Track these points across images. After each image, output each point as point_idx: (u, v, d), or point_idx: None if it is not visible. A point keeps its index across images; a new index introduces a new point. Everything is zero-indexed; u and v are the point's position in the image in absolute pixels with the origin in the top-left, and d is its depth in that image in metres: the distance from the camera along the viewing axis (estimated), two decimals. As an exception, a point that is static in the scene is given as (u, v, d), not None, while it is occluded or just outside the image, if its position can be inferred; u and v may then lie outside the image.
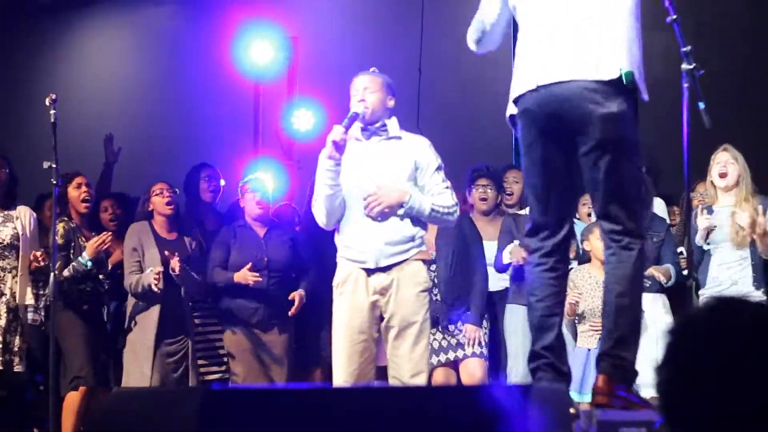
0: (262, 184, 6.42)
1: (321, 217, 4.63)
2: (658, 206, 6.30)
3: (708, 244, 5.71)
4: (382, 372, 4.81)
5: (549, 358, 3.58)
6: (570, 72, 3.49)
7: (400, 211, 4.48)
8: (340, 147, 4.48)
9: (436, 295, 5.67)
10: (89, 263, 5.94)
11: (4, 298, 5.86)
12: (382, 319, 4.50)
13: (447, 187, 4.60)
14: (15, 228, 5.93)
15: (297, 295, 6.13)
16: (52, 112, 5.29)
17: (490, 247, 6.18)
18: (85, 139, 8.68)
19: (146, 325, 6.03)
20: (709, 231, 5.68)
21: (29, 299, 5.97)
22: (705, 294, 5.62)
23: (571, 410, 2.79)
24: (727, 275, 5.68)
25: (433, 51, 8.44)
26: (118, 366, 6.21)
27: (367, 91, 4.59)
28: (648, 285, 5.46)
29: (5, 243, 5.88)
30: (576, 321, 5.84)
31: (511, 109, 3.71)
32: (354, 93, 4.60)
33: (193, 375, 6.11)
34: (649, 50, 3.61)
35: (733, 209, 5.69)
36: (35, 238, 6.08)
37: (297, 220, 6.93)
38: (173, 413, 2.52)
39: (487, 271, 6.09)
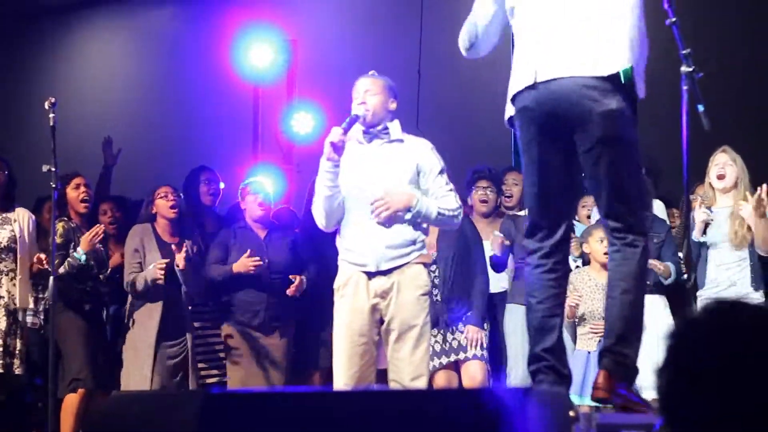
0: (263, 187, 6.43)
1: (320, 219, 4.64)
2: (658, 208, 6.30)
3: (704, 238, 5.71)
4: (382, 375, 4.81)
5: (549, 360, 3.58)
6: (568, 69, 3.48)
7: (408, 216, 4.48)
8: (338, 148, 4.48)
9: (436, 295, 5.66)
10: (83, 257, 5.93)
11: (2, 301, 5.86)
12: (382, 322, 4.50)
13: (450, 190, 4.61)
14: (12, 230, 5.93)
15: (298, 277, 6.12)
16: (51, 115, 5.29)
17: (489, 249, 6.20)
18: (85, 142, 8.68)
19: (147, 325, 6.04)
20: (706, 224, 5.69)
21: (28, 302, 5.98)
22: (703, 295, 5.62)
23: (571, 413, 2.79)
24: (726, 276, 5.68)
25: (433, 53, 8.43)
26: (118, 369, 6.22)
27: (368, 93, 4.58)
28: (649, 286, 5.46)
29: (2, 245, 5.88)
30: (576, 323, 5.84)
31: (510, 111, 3.70)
32: (355, 96, 4.60)
33: (193, 378, 6.11)
34: (648, 52, 3.62)
35: (732, 210, 5.69)
36: (34, 241, 6.08)
37: (296, 224, 6.93)
38: (173, 416, 2.52)
39: (488, 272, 6.10)
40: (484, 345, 5.83)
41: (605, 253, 5.68)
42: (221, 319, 6.26)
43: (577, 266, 6.05)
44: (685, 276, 5.80)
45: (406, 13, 8.82)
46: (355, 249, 4.52)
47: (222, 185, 6.97)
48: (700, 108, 3.77)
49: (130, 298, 6.19)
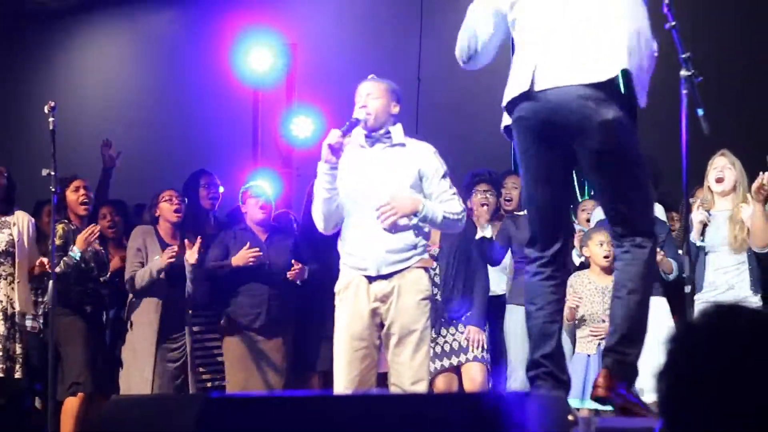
0: (264, 190, 6.44)
1: (319, 222, 4.65)
2: (658, 211, 6.29)
3: (702, 241, 5.71)
4: (383, 379, 4.82)
5: (548, 366, 3.58)
6: (563, 77, 3.46)
7: (414, 220, 4.48)
8: (335, 151, 4.47)
9: (436, 294, 5.64)
10: (78, 255, 5.95)
11: (0, 305, 5.86)
12: (382, 326, 4.50)
13: (454, 194, 4.61)
14: (11, 234, 5.93)
15: (300, 264, 6.11)
16: (51, 119, 5.29)
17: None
18: (84, 146, 8.69)
19: (146, 326, 6.06)
20: (704, 225, 5.69)
21: (27, 306, 5.98)
22: (701, 299, 5.61)
23: (570, 417, 2.79)
24: (724, 280, 5.68)
25: (432, 58, 8.44)
26: (117, 372, 6.22)
27: (370, 97, 4.57)
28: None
29: (1, 249, 5.88)
30: (575, 326, 5.84)
31: (506, 121, 3.69)
32: (358, 99, 4.59)
33: (193, 382, 6.12)
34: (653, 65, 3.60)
35: (730, 213, 5.69)
36: (33, 244, 6.08)
37: (295, 228, 6.93)
38: (172, 421, 2.52)
39: (488, 274, 6.10)
40: (485, 346, 5.83)
41: (605, 257, 5.72)
42: (220, 324, 6.26)
43: (582, 262, 6.05)
44: (686, 277, 5.80)
45: (405, 19, 8.83)
46: (356, 253, 4.52)
47: (221, 189, 6.97)
48: (700, 112, 3.78)
49: (129, 299, 6.20)
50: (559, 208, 3.66)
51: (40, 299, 6.22)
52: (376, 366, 4.55)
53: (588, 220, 6.34)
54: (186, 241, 6.02)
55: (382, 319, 4.49)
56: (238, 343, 6.15)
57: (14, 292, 5.91)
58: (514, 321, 6.00)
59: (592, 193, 6.31)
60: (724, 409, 1.57)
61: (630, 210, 3.55)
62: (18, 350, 5.88)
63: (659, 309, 5.79)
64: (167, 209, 6.24)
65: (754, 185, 5.51)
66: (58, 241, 5.84)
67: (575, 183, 3.68)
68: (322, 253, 6.08)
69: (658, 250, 5.65)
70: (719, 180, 5.75)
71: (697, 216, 5.66)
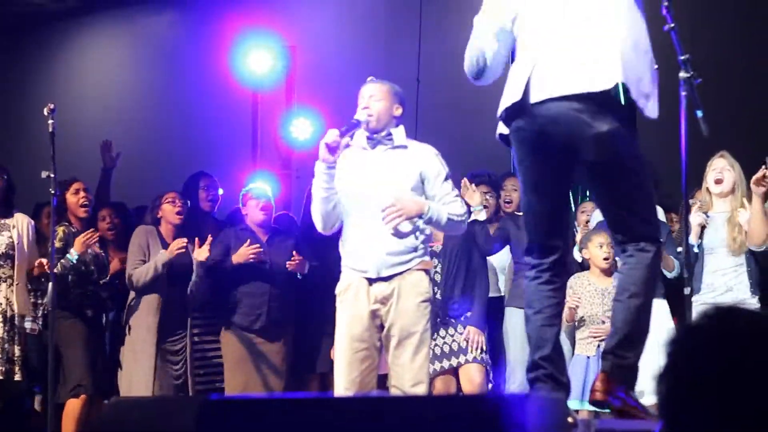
0: (264, 192, 6.45)
1: (318, 222, 4.66)
2: (658, 214, 6.30)
3: (701, 243, 5.71)
4: (384, 380, 4.82)
5: (547, 368, 3.58)
6: (558, 89, 3.44)
7: (419, 222, 4.48)
8: (332, 150, 4.47)
9: (436, 293, 5.64)
10: (76, 257, 5.95)
11: (-1, 308, 5.87)
12: (383, 328, 4.50)
13: (457, 196, 4.62)
14: (11, 237, 5.93)
15: (300, 257, 6.10)
16: (50, 121, 5.29)
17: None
18: (84, 148, 8.68)
19: (146, 328, 6.06)
20: (702, 227, 5.69)
21: (27, 308, 5.98)
22: (699, 300, 5.61)
23: (570, 419, 2.79)
24: (722, 281, 5.68)
25: (432, 60, 8.44)
26: (117, 375, 6.23)
27: (372, 99, 4.57)
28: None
29: (0, 252, 5.88)
30: (575, 328, 5.84)
31: (501, 129, 3.69)
32: (360, 101, 4.60)
33: (192, 384, 6.12)
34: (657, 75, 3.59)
35: (729, 215, 5.69)
36: (33, 247, 6.08)
37: (295, 229, 6.92)
38: (171, 422, 2.51)
39: (489, 276, 6.10)
40: (485, 348, 5.82)
41: (605, 259, 5.72)
42: (220, 326, 6.26)
43: (581, 262, 6.05)
44: (685, 279, 5.79)
45: (405, 20, 8.83)
46: (357, 255, 4.52)
47: (221, 191, 6.97)
48: (699, 113, 3.78)
49: (128, 302, 6.20)
50: (556, 218, 3.66)
51: (39, 301, 6.23)
52: (376, 368, 4.55)
53: (587, 222, 6.34)
54: (197, 239, 6.03)
55: (382, 321, 4.49)
56: (238, 344, 6.14)
57: (14, 294, 5.91)
58: (513, 323, 6.00)
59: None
60: (724, 410, 1.57)
61: (631, 218, 3.54)
62: (17, 352, 5.88)
63: (660, 311, 5.78)
64: (169, 210, 6.27)
65: (755, 177, 5.51)
66: (58, 244, 5.86)
67: (571, 195, 3.68)
68: (322, 253, 6.09)
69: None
70: (718, 181, 5.75)
71: (695, 219, 5.66)
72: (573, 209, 6.52)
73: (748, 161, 5.80)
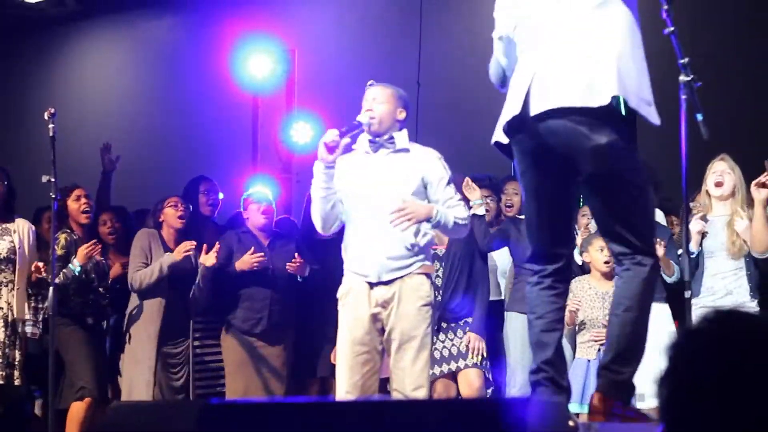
0: (266, 195, 6.45)
1: (317, 221, 4.66)
2: (659, 216, 6.30)
3: (701, 249, 5.71)
4: (386, 383, 4.82)
5: (549, 372, 3.58)
6: (556, 101, 3.44)
7: (427, 226, 4.49)
8: (331, 149, 4.47)
9: (437, 296, 5.63)
10: (78, 269, 5.95)
11: (1, 312, 5.86)
12: (384, 331, 4.50)
13: (460, 200, 4.62)
14: (12, 241, 5.94)
15: (301, 260, 6.10)
16: (50, 126, 5.30)
17: (491, 258, 6.20)
18: (84, 153, 8.69)
19: (148, 330, 6.06)
20: (702, 235, 5.69)
21: (26, 313, 5.98)
22: (699, 304, 5.61)
23: (570, 423, 2.79)
24: (722, 285, 5.68)
25: (432, 63, 8.45)
26: (118, 379, 6.23)
27: (375, 102, 4.58)
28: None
29: (2, 256, 5.89)
30: (576, 331, 5.84)
31: (497, 137, 3.69)
32: (364, 104, 4.61)
33: (193, 388, 6.13)
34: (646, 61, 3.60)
35: (728, 219, 5.69)
36: (34, 252, 6.08)
37: (296, 233, 6.93)
38: (173, 427, 2.51)
39: (490, 282, 6.10)
40: (485, 354, 5.82)
41: (605, 262, 5.72)
42: (221, 329, 6.25)
43: (581, 265, 6.05)
44: (685, 282, 5.79)
45: (405, 24, 8.83)
46: (358, 259, 4.53)
47: (221, 195, 6.97)
48: (699, 117, 3.77)
49: (129, 312, 6.19)
50: (559, 226, 3.66)
51: (40, 305, 6.23)
52: (378, 371, 4.56)
53: (587, 225, 6.33)
54: (204, 245, 6.03)
55: (383, 325, 4.50)
56: (239, 348, 6.14)
57: (14, 298, 5.91)
58: (514, 327, 5.99)
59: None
60: (724, 414, 1.58)
61: (627, 231, 3.52)
62: (18, 357, 5.88)
63: (661, 315, 5.79)
64: (172, 215, 6.27)
65: (755, 181, 5.51)
66: (60, 252, 5.89)
67: (575, 205, 3.68)
68: (322, 257, 6.09)
69: (661, 243, 5.66)
70: (718, 184, 5.74)
71: (695, 226, 5.64)
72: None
73: (748, 164, 5.80)
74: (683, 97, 3.81)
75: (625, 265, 3.56)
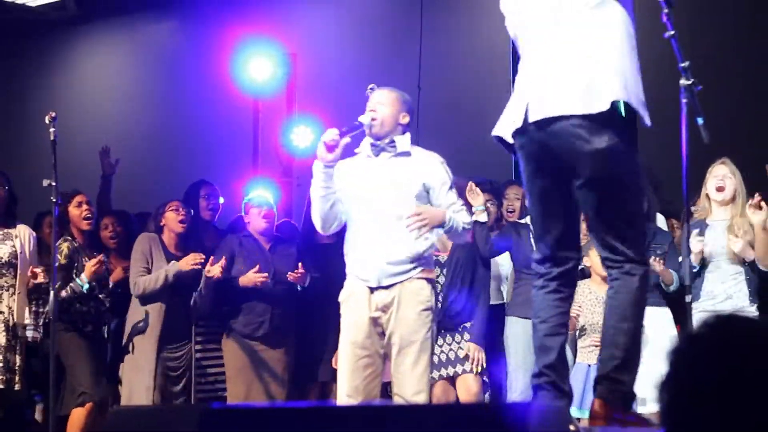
0: (267, 200, 6.45)
1: (317, 221, 4.67)
2: (659, 221, 6.29)
3: (702, 263, 5.71)
4: (389, 387, 4.82)
5: (551, 376, 3.58)
6: (558, 107, 3.45)
7: (440, 231, 4.51)
8: (330, 149, 4.47)
9: (440, 300, 5.63)
10: (87, 286, 5.97)
11: (2, 317, 5.86)
12: (384, 335, 4.50)
13: (462, 204, 4.63)
14: (14, 246, 5.94)
15: (302, 270, 6.09)
16: (51, 130, 5.29)
17: (492, 262, 6.20)
18: (85, 156, 8.69)
19: (149, 334, 6.07)
20: (702, 253, 5.68)
21: (27, 318, 5.98)
22: (699, 308, 5.60)
23: (571, 427, 2.78)
24: (722, 289, 5.67)
25: (432, 67, 8.45)
26: (118, 384, 6.23)
27: (379, 104, 4.59)
28: (654, 297, 5.45)
29: (3, 261, 5.89)
30: (576, 336, 5.84)
31: (497, 131, 3.69)
32: (368, 106, 4.61)
33: (194, 392, 6.12)
34: (645, 65, 3.60)
35: (729, 223, 5.68)
36: (34, 257, 6.08)
37: (297, 237, 6.92)
38: (174, 431, 2.51)
39: (490, 291, 6.10)
40: (484, 365, 5.82)
41: (606, 266, 5.71)
42: (222, 334, 6.25)
43: (582, 268, 6.04)
44: (686, 286, 5.78)
45: (405, 27, 8.83)
46: (359, 263, 4.53)
47: (221, 200, 6.97)
48: (700, 121, 3.77)
49: (130, 310, 6.19)
50: (565, 230, 3.65)
51: (40, 309, 6.23)
52: (380, 375, 4.55)
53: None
54: (211, 258, 6.02)
55: (384, 329, 4.49)
56: (240, 352, 6.14)
57: (15, 303, 5.92)
58: (514, 332, 5.98)
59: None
60: (725, 418, 1.58)
61: (617, 237, 3.52)
62: (18, 362, 5.88)
63: (662, 319, 5.79)
64: (173, 219, 6.26)
65: (750, 203, 5.51)
66: (63, 260, 5.90)
67: (579, 210, 3.67)
68: (323, 262, 6.09)
69: (659, 260, 5.65)
70: (720, 188, 5.73)
71: (695, 246, 5.61)
72: None
73: (748, 167, 5.80)
74: (684, 100, 3.81)
75: (613, 275, 3.57)
